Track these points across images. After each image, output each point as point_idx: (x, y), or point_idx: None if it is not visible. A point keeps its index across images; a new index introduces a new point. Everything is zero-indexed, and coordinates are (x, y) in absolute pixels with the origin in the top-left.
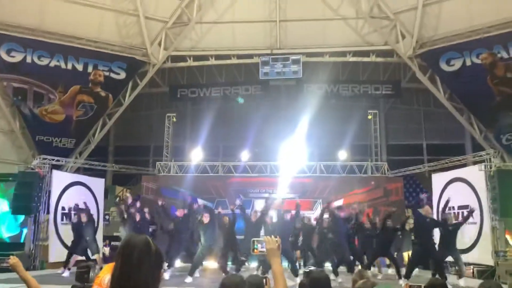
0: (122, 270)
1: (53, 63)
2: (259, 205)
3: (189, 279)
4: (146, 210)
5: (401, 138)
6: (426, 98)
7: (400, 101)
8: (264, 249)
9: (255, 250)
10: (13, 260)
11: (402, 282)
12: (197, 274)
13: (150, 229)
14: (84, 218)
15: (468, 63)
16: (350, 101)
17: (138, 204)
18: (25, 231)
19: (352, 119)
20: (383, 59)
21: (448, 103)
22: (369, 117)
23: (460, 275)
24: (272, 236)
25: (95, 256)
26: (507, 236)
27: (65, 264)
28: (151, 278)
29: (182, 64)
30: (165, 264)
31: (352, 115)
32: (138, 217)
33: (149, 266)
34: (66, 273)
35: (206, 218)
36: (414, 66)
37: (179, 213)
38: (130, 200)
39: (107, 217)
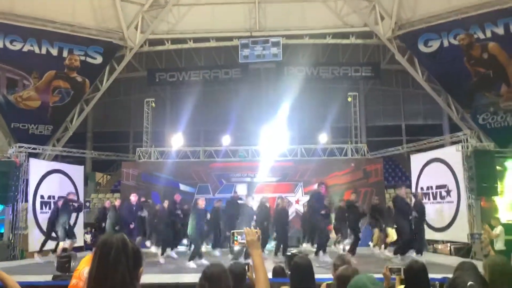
0: (99, 270)
1: (26, 48)
2: (241, 189)
3: (192, 264)
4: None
5: (380, 119)
6: (405, 80)
7: (380, 83)
8: (244, 241)
9: (235, 242)
10: None
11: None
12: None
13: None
14: (60, 202)
15: (446, 44)
16: (330, 83)
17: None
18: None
19: (332, 102)
20: (363, 40)
21: (426, 84)
22: (349, 99)
23: (419, 251)
24: (252, 228)
25: (67, 243)
26: (486, 226)
27: (40, 249)
28: (129, 277)
29: (160, 47)
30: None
31: (332, 98)
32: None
33: (127, 265)
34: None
35: (202, 202)
36: (393, 48)
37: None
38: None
39: (87, 204)
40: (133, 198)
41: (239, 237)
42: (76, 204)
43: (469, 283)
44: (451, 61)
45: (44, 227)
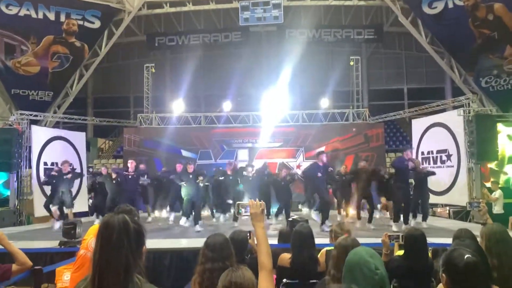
0: (102, 252)
1: (23, 12)
2: (242, 155)
3: (198, 228)
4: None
5: (382, 83)
6: (408, 42)
7: (382, 46)
8: (248, 213)
9: (239, 214)
10: None
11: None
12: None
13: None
14: (66, 169)
15: (450, 5)
16: (332, 47)
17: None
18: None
19: (334, 66)
20: (365, 2)
21: (430, 46)
22: (351, 63)
23: (423, 218)
24: (257, 200)
25: (67, 211)
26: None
27: (51, 216)
28: (132, 257)
29: (158, 10)
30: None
31: (334, 62)
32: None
33: (129, 246)
34: (57, 225)
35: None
36: (397, 9)
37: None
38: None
39: (90, 170)
40: (130, 165)
41: (243, 210)
42: (70, 174)
43: (466, 256)
44: (456, 23)
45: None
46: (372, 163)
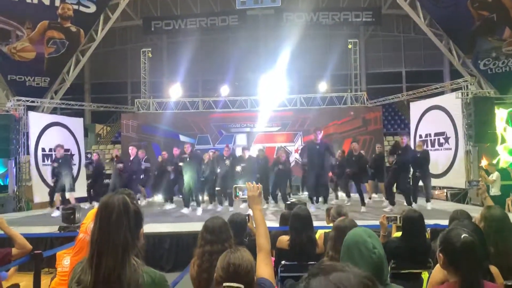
0: (100, 232)
1: None
2: (240, 139)
3: (199, 211)
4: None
5: (380, 66)
6: (406, 25)
7: (380, 29)
8: (246, 196)
9: (237, 197)
10: None
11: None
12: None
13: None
14: (60, 152)
15: None
16: (330, 30)
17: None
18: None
19: (332, 49)
20: None
21: (428, 29)
22: (349, 46)
23: (427, 199)
24: (254, 183)
25: (68, 195)
26: (484, 163)
27: (50, 204)
28: (131, 238)
29: None
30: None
31: (332, 45)
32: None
33: (128, 227)
34: (55, 213)
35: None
36: None
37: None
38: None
39: (88, 155)
40: (131, 151)
41: (240, 192)
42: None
43: (463, 235)
44: (454, 5)
45: (47, 179)
46: (371, 146)
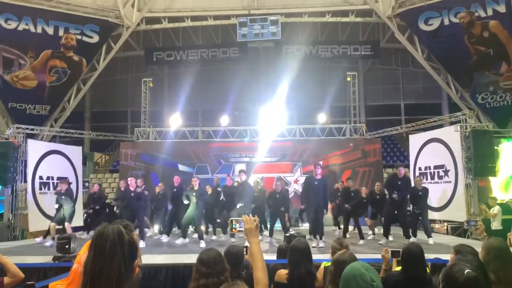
0: (94, 261)
1: (22, 27)
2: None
3: (203, 244)
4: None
5: (379, 98)
6: (404, 58)
7: (379, 62)
8: (243, 228)
9: (234, 229)
10: None
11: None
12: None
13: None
14: (64, 187)
15: (446, 22)
16: (329, 63)
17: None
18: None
19: (331, 81)
20: (362, 19)
21: (426, 63)
22: (348, 78)
23: (428, 235)
24: (250, 216)
25: (66, 224)
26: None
27: (45, 234)
28: (125, 269)
29: (157, 26)
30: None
31: (331, 77)
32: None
33: (122, 257)
34: (48, 243)
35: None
36: (393, 26)
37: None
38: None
39: (86, 184)
40: (130, 183)
41: (237, 225)
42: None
43: (466, 271)
44: (452, 40)
45: (44, 208)
46: (370, 178)
